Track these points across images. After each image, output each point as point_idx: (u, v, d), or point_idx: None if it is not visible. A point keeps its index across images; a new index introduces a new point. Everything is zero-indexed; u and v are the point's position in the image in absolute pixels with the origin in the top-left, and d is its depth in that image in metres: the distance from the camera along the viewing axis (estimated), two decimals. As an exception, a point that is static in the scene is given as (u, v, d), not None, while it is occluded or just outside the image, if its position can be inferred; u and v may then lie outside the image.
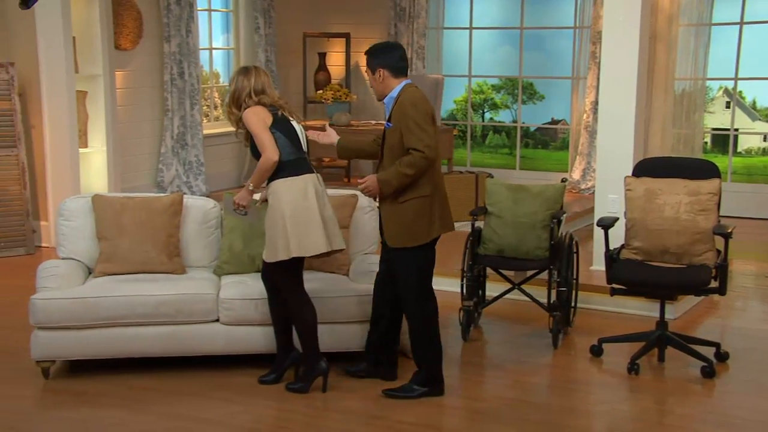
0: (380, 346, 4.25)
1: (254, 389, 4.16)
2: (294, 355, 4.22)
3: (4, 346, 4.70)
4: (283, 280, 4.07)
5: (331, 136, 4.26)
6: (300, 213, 3.96)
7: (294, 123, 4.12)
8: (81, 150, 6.93)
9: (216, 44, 9.01)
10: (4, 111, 6.59)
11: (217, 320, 4.31)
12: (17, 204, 6.66)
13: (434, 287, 5.65)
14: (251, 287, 4.35)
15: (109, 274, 4.49)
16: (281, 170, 4.00)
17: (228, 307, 4.28)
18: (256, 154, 4.04)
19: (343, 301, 4.34)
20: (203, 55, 8.65)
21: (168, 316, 4.25)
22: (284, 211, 3.96)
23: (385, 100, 4.05)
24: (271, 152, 3.96)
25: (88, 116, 7.10)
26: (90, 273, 4.58)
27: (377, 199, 4.11)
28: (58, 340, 4.18)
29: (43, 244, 6.87)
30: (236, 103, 4.09)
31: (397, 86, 4.00)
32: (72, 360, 4.35)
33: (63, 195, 6.35)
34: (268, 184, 4.07)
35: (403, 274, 4.03)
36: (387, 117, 4.02)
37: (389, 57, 4.00)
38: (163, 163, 7.98)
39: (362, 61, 9.84)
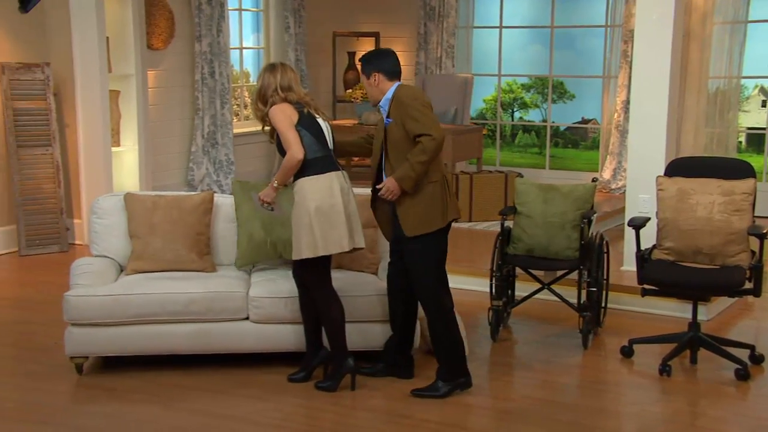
0: (398, 346, 4.26)
1: (283, 387, 4.17)
2: (323, 353, 4.23)
3: (39, 342, 4.76)
4: (311, 278, 4.09)
5: None
6: (326, 211, 3.98)
7: (320, 120, 4.13)
8: (113, 149, 7.01)
9: (246, 44, 9.07)
10: (39, 110, 6.68)
11: (247, 318, 4.33)
12: (51, 202, 6.75)
13: (463, 287, 5.74)
14: (281, 285, 4.36)
15: (140, 272, 4.53)
16: (307, 168, 4.01)
17: (258, 305, 4.30)
18: (282, 151, 4.06)
19: (371, 300, 4.35)
20: (234, 55, 8.70)
21: (198, 313, 4.27)
22: (310, 209, 3.98)
23: (380, 103, 4.12)
24: (296, 150, 3.97)
25: (121, 115, 7.18)
26: (122, 270, 4.62)
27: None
28: (91, 336, 4.23)
29: (77, 242, 6.95)
30: (262, 99, 4.11)
31: (390, 88, 4.08)
32: (104, 356, 4.40)
33: (96, 193, 6.42)
34: (294, 181, 4.08)
35: (421, 264, 4.06)
36: (385, 114, 4.08)
37: (384, 62, 4.10)
38: (194, 162, 8.05)
39: (392, 60, 9.85)
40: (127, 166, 7.23)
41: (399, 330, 4.26)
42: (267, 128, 4.17)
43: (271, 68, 4.14)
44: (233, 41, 8.63)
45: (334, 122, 8.98)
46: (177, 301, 4.26)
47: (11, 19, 6.61)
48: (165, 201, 4.66)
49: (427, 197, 4.03)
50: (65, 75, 6.82)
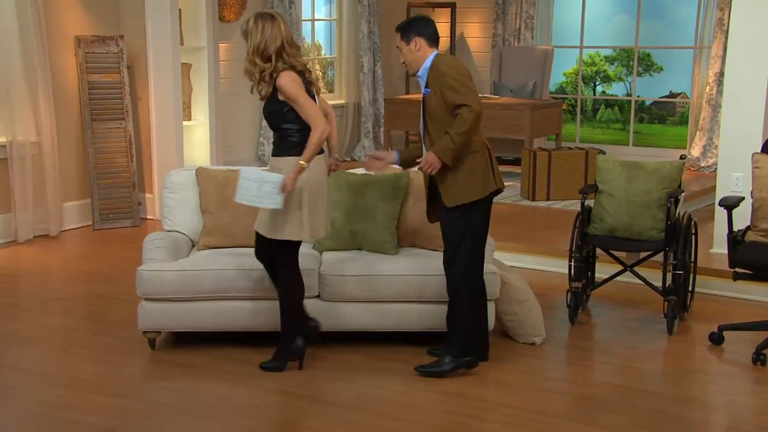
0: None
1: (353, 365, 4.14)
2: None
3: (113, 316, 4.82)
4: (282, 257, 3.96)
5: (392, 159, 4.15)
6: (318, 195, 3.86)
7: (315, 96, 3.95)
8: (185, 122, 7.04)
9: (318, 15, 8.98)
10: (113, 83, 6.74)
11: (318, 296, 4.29)
12: (124, 176, 6.82)
13: (540, 268, 5.60)
14: (352, 264, 4.31)
15: (211, 248, 4.53)
16: (302, 146, 3.82)
17: (329, 283, 4.26)
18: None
19: (443, 280, 4.23)
20: (305, 27, 8.64)
21: (269, 290, 4.23)
22: (303, 191, 3.82)
23: (419, 73, 4.02)
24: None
25: (192, 89, 7.20)
26: (193, 245, 4.62)
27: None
28: (164, 311, 4.24)
29: (148, 216, 7.03)
30: (263, 54, 3.81)
31: (430, 56, 3.99)
32: (177, 332, 4.42)
33: (167, 168, 6.46)
34: (279, 156, 3.88)
35: (458, 235, 3.95)
36: (423, 84, 4.00)
37: (425, 27, 4.03)
38: (264, 137, 8.04)
39: (468, 31, 9.71)
40: (197, 140, 7.26)
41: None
42: (263, 86, 3.85)
43: (270, 18, 3.83)
44: (305, 13, 8.56)
45: (406, 96, 8.86)
46: (248, 277, 4.24)
47: (86, -9, 6.68)
48: (236, 176, 4.59)
49: (467, 167, 3.94)
50: (138, 48, 6.86)
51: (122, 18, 6.89)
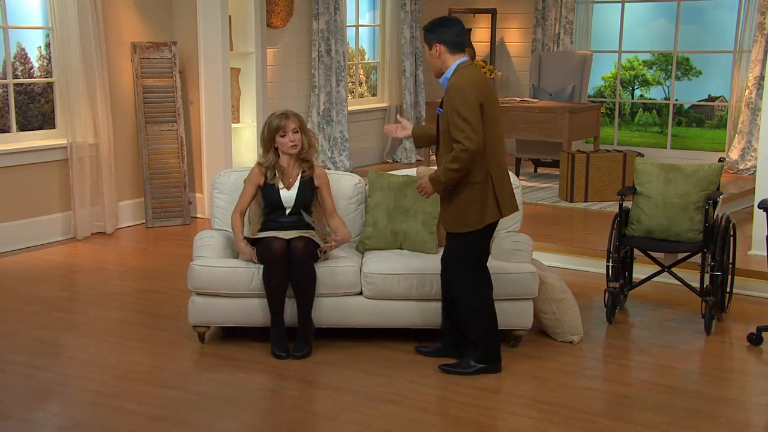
0: (457, 328, 4.20)
1: (396, 363, 4.21)
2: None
3: (164, 310, 4.97)
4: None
5: (407, 128, 4.17)
6: None
7: None
8: (233, 125, 7.21)
9: (362, 21, 9.12)
10: (166, 87, 6.95)
11: (360, 293, 4.38)
12: (175, 176, 7.01)
13: (577, 268, 5.65)
14: (394, 262, 4.39)
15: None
16: None
17: (371, 281, 4.34)
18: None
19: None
20: (349, 32, 8.77)
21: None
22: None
23: (440, 80, 3.92)
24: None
25: (241, 92, 7.38)
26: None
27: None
28: (213, 306, 4.36)
29: (198, 215, 7.20)
30: None
31: (452, 65, 3.86)
32: (224, 327, 4.54)
33: (216, 168, 6.66)
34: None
35: (455, 261, 3.98)
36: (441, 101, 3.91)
37: (446, 32, 3.86)
38: (310, 139, 8.18)
39: (508, 36, 9.79)
40: (245, 142, 7.43)
41: (455, 311, 4.18)
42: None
43: None
44: (349, 19, 8.70)
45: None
46: (294, 274, 4.33)
47: (142, 0, 6.88)
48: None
49: (464, 198, 3.87)
50: (190, 53, 7.05)
51: (175, 25, 7.10)
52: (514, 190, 4.72)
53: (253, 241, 4.39)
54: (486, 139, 3.81)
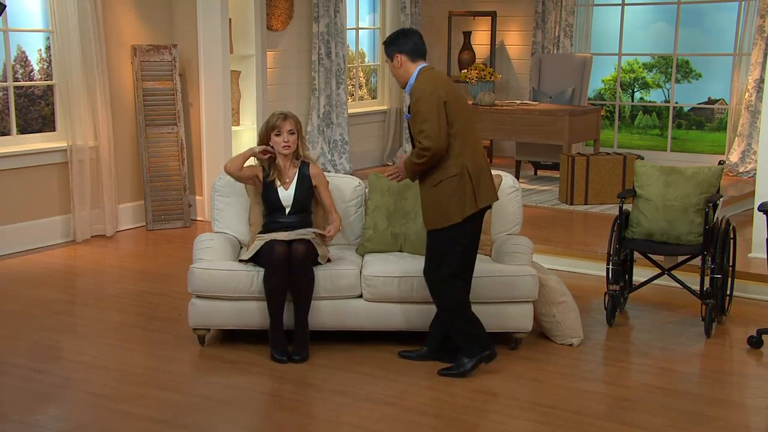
0: (444, 332, 4.20)
1: (396, 365, 4.22)
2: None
3: (164, 313, 4.97)
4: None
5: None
6: None
7: None
8: (233, 128, 7.22)
9: (362, 24, 9.13)
10: (166, 90, 6.95)
11: (361, 296, 4.38)
12: (176, 179, 7.02)
13: (578, 271, 5.66)
14: (394, 265, 4.39)
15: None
16: None
17: (371, 284, 4.34)
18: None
19: (486, 282, 4.32)
20: (350, 35, 8.78)
21: (313, 291, 4.33)
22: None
23: (406, 89, 4.04)
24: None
25: (241, 95, 7.39)
26: (242, 247, 4.71)
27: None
28: (213, 309, 4.36)
29: (198, 218, 7.21)
30: None
31: (414, 71, 3.98)
32: (224, 330, 4.54)
33: (216, 171, 6.65)
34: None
35: (436, 256, 3.98)
36: (407, 107, 3.99)
37: (406, 42, 4.00)
38: (309, 142, 8.19)
39: (508, 39, 9.80)
40: (245, 144, 7.42)
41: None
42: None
43: None
44: (349, 22, 8.71)
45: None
46: (294, 277, 4.34)
47: (143, 2, 6.89)
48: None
49: (442, 192, 3.93)
50: (190, 56, 7.06)
51: (175, 28, 7.11)
52: (514, 192, 4.74)
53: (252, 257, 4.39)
54: (457, 133, 3.90)
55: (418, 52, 4.00)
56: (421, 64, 4.01)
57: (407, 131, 4.09)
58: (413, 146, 4.03)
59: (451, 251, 3.99)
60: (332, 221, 4.52)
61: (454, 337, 4.11)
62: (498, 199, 4.19)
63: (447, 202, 3.93)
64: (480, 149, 4.08)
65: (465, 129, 3.96)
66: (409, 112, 3.98)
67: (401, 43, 4.01)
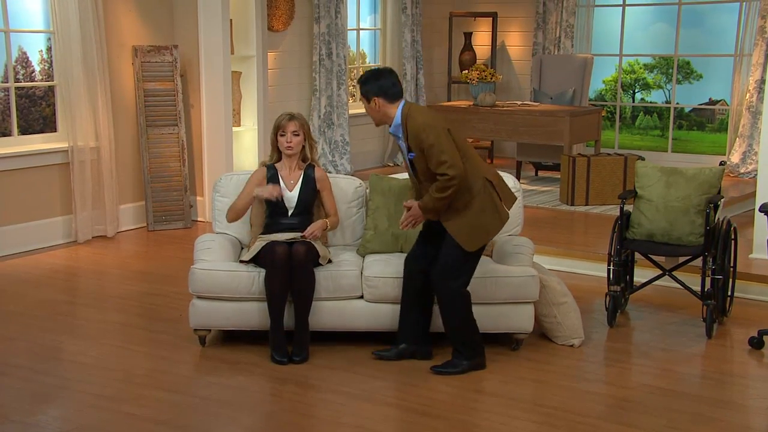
0: (417, 327, 4.24)
1: (397, 366, 4.22)
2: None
3: (165, 313, 4.98)
4: None
5: (416, 209, 4.10)
6: None
7: None
8: (234, 128, 7.22)
9: (363, 25, 9.13)
10: (167, 91, 6.96)
11: (362, 297, 4.39)
12: (176, 180, 7.02)
13: (578, 271, 5.67)
14: (394, 266, 4.39)
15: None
16: None
17: (372, 285, 4.34)
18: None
19: (487, 283, 4.32)
20: (351, 36, 8.79)
21: (314, 291, 4.33)
22: None
23: (391, 130, 4.05)
24: None
25: (242, 96, 7.39)
26: (242, 248, 4.72)
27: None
28: (214, 310, 4.36)
29: (199, 219, 7.20)
30: None
31: (397, 112, 3.99)
32: (225, 331, 4.55)
33: (217, 172, 6.66)
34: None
35: (458, 264, 4.00)
36: (405, 147, 4.01)
37: (381, 84, 4.00)
38: (311, 142, 8.19)
39: (508, 40, 9.80)
40: (246, 145, 7.44)
41: (421, 310, 4.23)
42: None
43: None
44: (350, 23, 8.71)
45: (448, 103, 8.97)
46: (295, 278, 4.34)
47: (143, 3, 6.90)
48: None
49: (474, 210, 3.98)
50: (191, 57, 7.07)
51: (176, 28, 7.11)
52: (515, 193, 4.76)
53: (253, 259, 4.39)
54: (464, 154, 3.97)
55: (396, 94, 3.99)
56: (401, 103, 4.02)
57: (410, 170, 4.13)
58: (419, 182, 4.07)
59: (472, 262, 4.05)
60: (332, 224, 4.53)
61: (454, 340, 4.14)
62: (516, 198, 4.27)
63: (482, 218, 3.99)
64: (480, 158, 4.16)
65: (466, 146, 4.03)
66: (410, 151, 3.98)
67: (376, 84, 3.99)
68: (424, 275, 4.14)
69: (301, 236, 4.38)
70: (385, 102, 4.00)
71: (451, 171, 3.85)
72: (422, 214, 4.03)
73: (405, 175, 4.82)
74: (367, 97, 4.04)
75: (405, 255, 4.56)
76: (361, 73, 9.24)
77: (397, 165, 9.02)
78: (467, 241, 3.98)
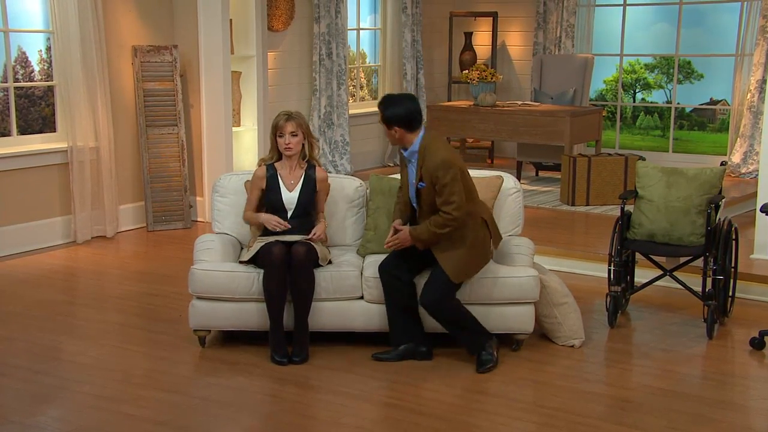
0: (409, 327, 4.26)
1: (396, 367, 4.21)
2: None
3: (164, 314, 4.98)
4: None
5: (406, 233, 4.19)
6: None
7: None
8: (234, 129, 7.22)
9: (363, 25, 9.13)
10: (167, 91, 6.95)
11: (362, 297, 4.38)
12: (176, 180, 7.02)
13: (579, 272, 5.67)
14: (395, 265, 4.39)
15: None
16: None
17: (372, 285, 4.34)
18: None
19: (487, 283, 4.31)
20: (351, 36, 8.78)
21: (314, 292, 4.32)
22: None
23: (406, 154, 4.13)
24: None
25: (242, 96, 7.38)
26: (242, 248, 4.72)
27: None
28: (214, 310, 4.36)
29: (199, 219, 7.20)
30: None
31: (416, 140, 4.07)
32: (225, 331, 4.54)
33: (217, 172, 6.66)
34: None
35: (449, 284, 4.10)
36: (415, 174, 4.09)
37: (402, 115, 4.05)
38: (311, 142, 8.18)
39: (509, 40, 9.79)
40: (246, 145, 7.44)
41: (408, 311, 4.25)
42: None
43: None
44: (351, 23, 8.71)
45: (448, 103, 8.96)
46: (294, 278, 4.33)
47: (143, 3, 6.89)
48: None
49: (471, 243, 4.11)
50: (191, 57, 7.06)
51: (176, 28, 7.11)
52: (515, 193, 4.76)
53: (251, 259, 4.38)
54: (468, 195, 4.09)
55: (414, 122, 4.06)
56: (421, 132, 4.10)
57: (411, 193, 4.21)
58: (420, 208, 4.15)
59: (457, 285, 4.15)
60: (318, 221, 4.51)
61: (466, 342, 4.21)
62: (502, 237, 4.42)
63: (473, 254, 4.12)
64: (480, 199, 4.28)
65: (472, 187, 4.15)
66: (421, 180, 4.07)
67: (398, 117, 4.05)
68: (399, 280, 4.22)
69: (306, 238, 4.36)
70: (404, 132, 4.10)
71: (456, 212, 4.00)
72: (410, 240, 4.12)
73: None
74: (387, 124, 4.11)
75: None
76: (361, 73, 9.23)
77: (397, 165, 9.01)
78: (454, 273, 4.09)
